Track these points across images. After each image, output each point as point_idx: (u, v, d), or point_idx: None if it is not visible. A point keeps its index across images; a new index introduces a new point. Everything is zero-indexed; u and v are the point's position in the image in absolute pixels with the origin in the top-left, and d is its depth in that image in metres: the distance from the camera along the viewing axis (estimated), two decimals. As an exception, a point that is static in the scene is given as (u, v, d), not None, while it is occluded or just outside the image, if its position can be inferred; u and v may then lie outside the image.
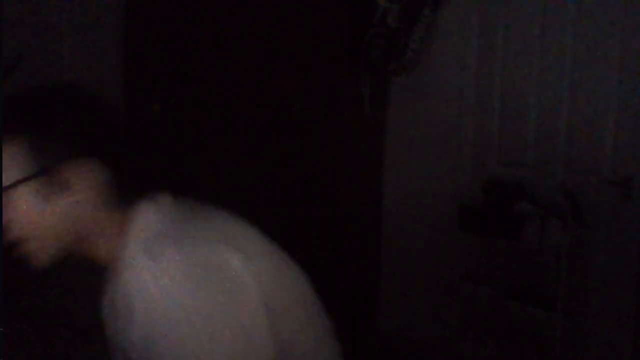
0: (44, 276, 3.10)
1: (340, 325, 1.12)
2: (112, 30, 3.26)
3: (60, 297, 3.20)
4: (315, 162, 2.74)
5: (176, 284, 0.82)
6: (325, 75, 2.71)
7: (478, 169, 2.68)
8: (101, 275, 0.93)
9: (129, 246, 0.89)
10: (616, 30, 2.31)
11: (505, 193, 2.46)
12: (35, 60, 3.12)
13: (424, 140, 2.81)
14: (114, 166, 0.88)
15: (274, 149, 2.82)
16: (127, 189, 0.91)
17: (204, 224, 0.92)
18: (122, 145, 0.91)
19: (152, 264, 0.85)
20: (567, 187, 2.39)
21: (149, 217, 0.91)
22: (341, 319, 1.14)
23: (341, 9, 2.66)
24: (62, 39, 3.10)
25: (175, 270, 0.83)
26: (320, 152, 2.73)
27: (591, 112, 2.40)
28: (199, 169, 3.12)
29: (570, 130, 2.45)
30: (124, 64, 3.31)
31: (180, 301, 0.81)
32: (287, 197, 2.79)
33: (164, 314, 0.82)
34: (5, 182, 0.83)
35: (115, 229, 0.90)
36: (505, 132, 2.63)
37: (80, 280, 1.02)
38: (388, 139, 2.90)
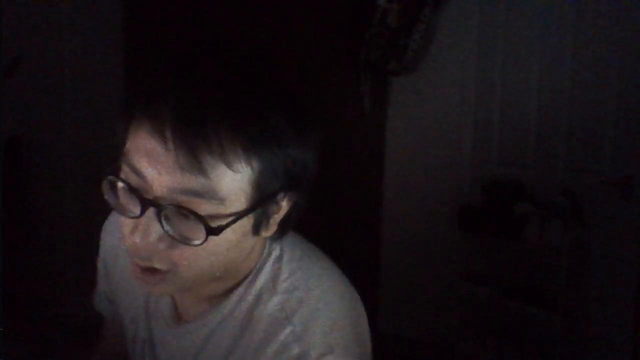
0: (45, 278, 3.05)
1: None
2: (112, 30, 3.26)
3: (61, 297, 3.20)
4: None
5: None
6: (325, 75, 2.71)
7: (478, 169, 2.68)
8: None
9: (245, 295, 0.77)
10: (616, 30, 2.31)
11: (505, 193, 2.46)
12: (35, 60, 3.12)
13: (424, 140, 2.81)
14: (301, 199, 0.75)
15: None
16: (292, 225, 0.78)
17: (321, 255, 0.84)
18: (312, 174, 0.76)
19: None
20: (567, 187, 2.39)
21: (273, 267, 0.79)
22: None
23: (341, 9, 2.66)
24: (62, 39, 3.10)
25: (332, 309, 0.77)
26: (320, 152, 2.73)
27: (591, 112, 2.40)
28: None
29: (570, 130, 2.45)
30: (124, 64, 3.31)
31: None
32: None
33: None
34: (219, 211, 0.66)
35: (252, 261, 0.78)
36: (505, 132, 2.63)
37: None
38: (388, 139, 2.90)
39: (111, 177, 0.68)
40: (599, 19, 2.35)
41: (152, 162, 0.64)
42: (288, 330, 0.74)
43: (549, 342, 2.35)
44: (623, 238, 2.34)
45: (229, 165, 0.64)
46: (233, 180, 0.65)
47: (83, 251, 3.65)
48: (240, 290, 0.77)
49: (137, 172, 0.66)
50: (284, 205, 0.73)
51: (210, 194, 0.64)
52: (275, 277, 0.77)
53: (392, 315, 2.92)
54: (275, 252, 0.79)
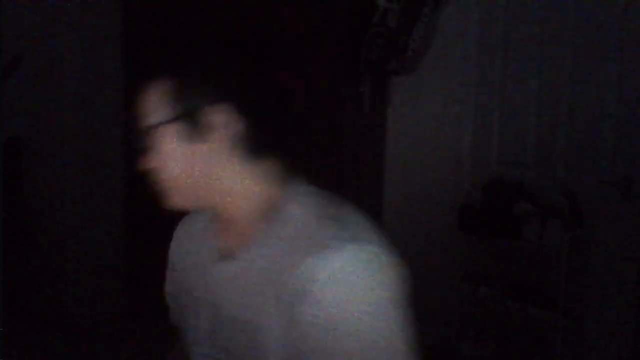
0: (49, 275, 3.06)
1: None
2: (112, 30, 3.26)
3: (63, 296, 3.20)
4: (315, 161, 2.74)
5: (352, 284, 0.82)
6: (325, 75, 2.71)
7: (478, 169, 2.68)
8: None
9: (280, 226, 0.88)
10: (616, 31, 2.31)
11: (505, 193, 2.46)
12: (35, 60, 3.12)
13: (424, 140, 2.80)
14: (252, 120, 0.87)
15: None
16: (265, 150, 0.90)
17: (354, 218, 0.95)
18: (262, 99, 0.91)
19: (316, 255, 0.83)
20: (567, 187, 2.39)
21: (303, 201, 0.91)
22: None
23: (341, 9, 2.66)
24: (62, 39, 3.10)
25: (350, 266, 0.83)
26: (320, 152, 2.73)
27: (591, 112, 2.40)
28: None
29: (570, 130, 2.45)
30: (124, 64, 3.31)
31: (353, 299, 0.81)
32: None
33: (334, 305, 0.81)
34: (151, 122, 0.87)
35: (254, 193, 0.89)
36: (505, 132, 2.63)
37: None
38: (388, 139, 2.90)
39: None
40: (598, 20, 2.35)
41: None
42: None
43: (549, 342, 2.35)
44: (623, 238, 2.34)
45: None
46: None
47: (83, 251, 3.66)
48: (276, 225, 0.88)
49: None
50: (220, 120, 0.85)
51: None
52: (306, 207, 0.91)
53: (392, 315, 2.92)
54: (296, 188, 0.94)
